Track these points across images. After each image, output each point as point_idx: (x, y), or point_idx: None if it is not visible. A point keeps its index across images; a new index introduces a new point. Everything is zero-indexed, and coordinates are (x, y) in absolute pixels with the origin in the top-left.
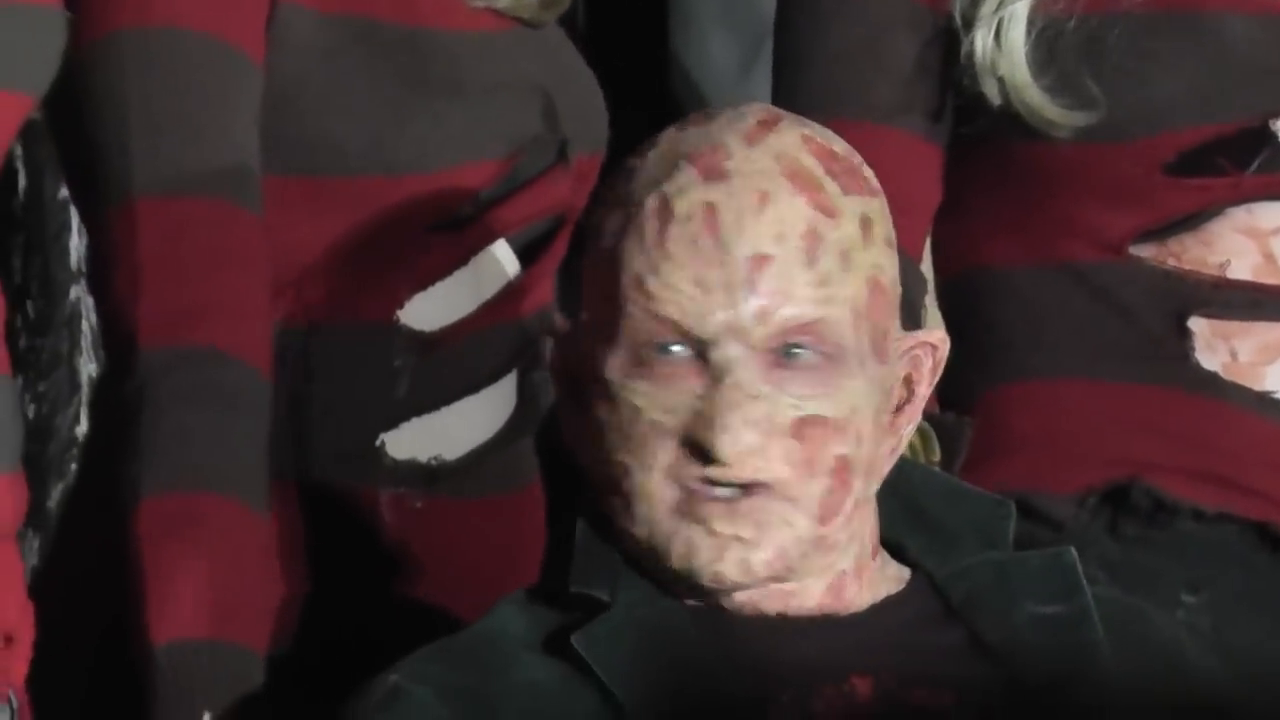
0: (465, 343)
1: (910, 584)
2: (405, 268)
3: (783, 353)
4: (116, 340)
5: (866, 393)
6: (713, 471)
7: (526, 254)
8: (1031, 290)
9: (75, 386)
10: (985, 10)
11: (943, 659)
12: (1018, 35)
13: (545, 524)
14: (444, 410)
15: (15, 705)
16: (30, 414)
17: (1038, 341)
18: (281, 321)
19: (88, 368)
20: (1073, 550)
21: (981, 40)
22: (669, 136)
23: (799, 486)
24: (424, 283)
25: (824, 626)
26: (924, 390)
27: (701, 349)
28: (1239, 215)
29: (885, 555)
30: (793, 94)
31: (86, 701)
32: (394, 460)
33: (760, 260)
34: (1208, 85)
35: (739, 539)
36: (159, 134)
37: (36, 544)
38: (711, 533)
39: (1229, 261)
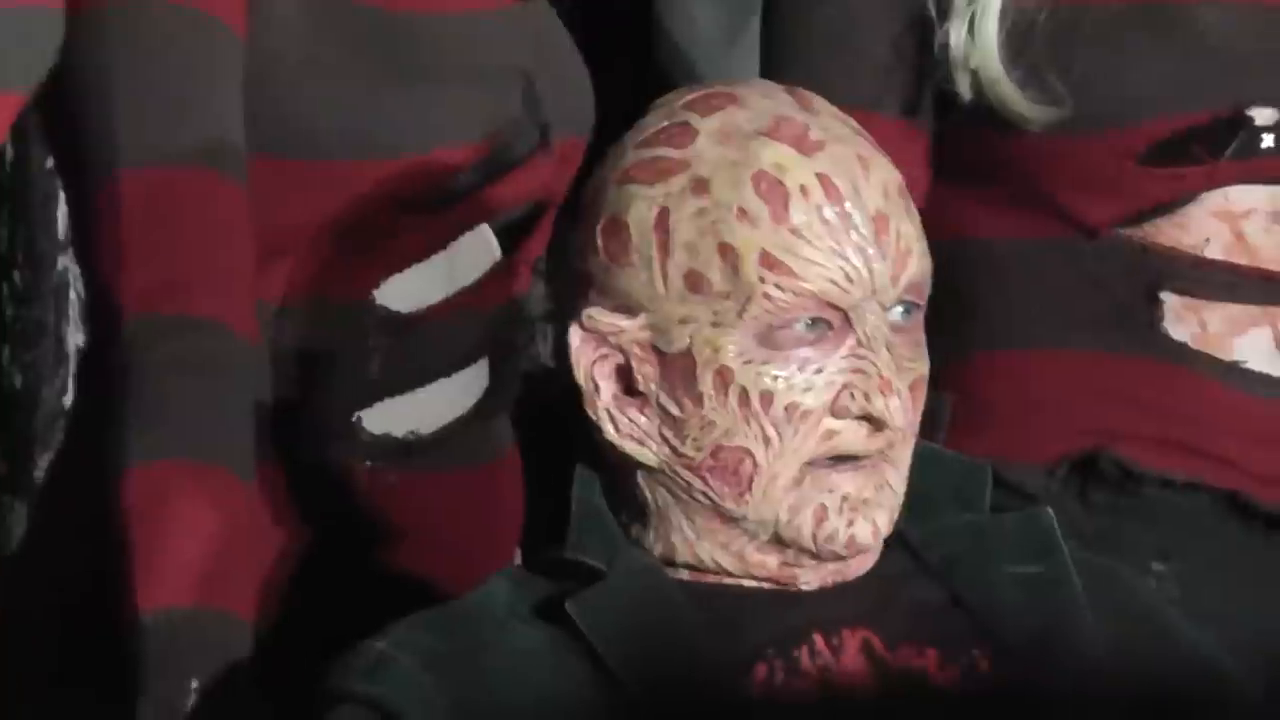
0: (439, 326)
1: (888, 547)
2: (380, 250)
3: (896, 313)
4: (103, 310)
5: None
6: (863, 442)
7: (505, 239)
8: (1007, 262)
9: (62, 357)
10: (959, 3)
11: (925, 617)
12: (990, 28)
13: (525, 497)
14: (416, 392)
15: None
16: (17, 384)
17: (1011, 312)
18: (259, 298)
19: (74, 338)
20: (1049, 510)
21: (955, 32)
22: (709, 119)
23: (903, 450)
24: (399, 265)
25: (813, 594)
26: None
27: (841, 319)
28: (1214, 200)
29: None
30: (780, 80)
31: (67, 667)
32: (370, 435)
33: (881, 220)
34: (1180, 76)
35: (865, 501)
36: (143, 105)
37: (24, 513)
38: (843, 498)
39: (1207, 242)
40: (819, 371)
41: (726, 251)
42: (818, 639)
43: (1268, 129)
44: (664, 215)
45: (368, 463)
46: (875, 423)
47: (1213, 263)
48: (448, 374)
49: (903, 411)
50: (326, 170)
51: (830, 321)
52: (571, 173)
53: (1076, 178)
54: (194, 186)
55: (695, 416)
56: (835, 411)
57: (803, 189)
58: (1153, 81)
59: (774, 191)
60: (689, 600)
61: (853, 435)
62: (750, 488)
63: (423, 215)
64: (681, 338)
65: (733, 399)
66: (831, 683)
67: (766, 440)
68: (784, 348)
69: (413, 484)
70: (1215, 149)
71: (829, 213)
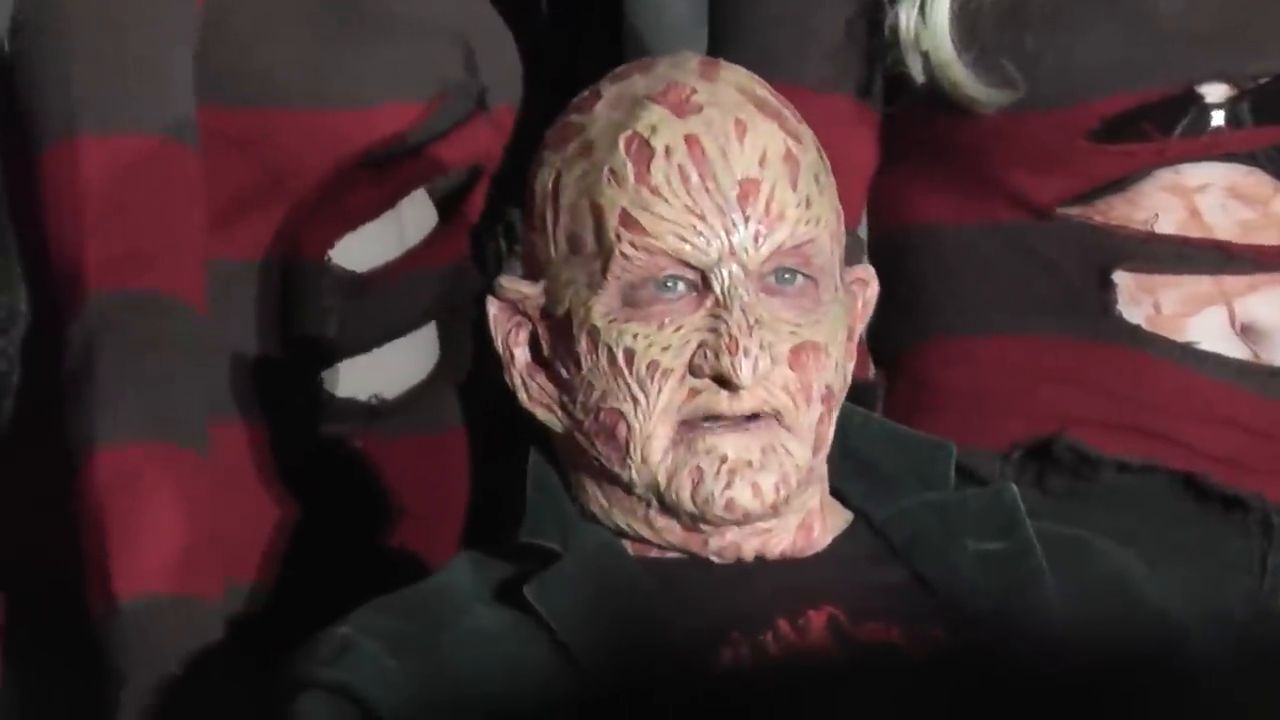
0: (391, 287)
1: (852, 526)
2: (331, 207)
3: (774, 278)
4: (59, 282)
5: (839, 318)
6: (725, 403)
7: (445, 204)
8: (959, 247)
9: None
10: None
11: (889, 596)
12: (941, 10)
13: (471, 476)
14: (374, 353)
15: None
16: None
17: (964, 298)
18: (210, 257)
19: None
20: (1013, 486)
21: (906, 14)
22: (614, 86)
23: (796, 415)
24: (353, 223)
25: (775, 569)
26: (860, 327)
27: (700, 279)
28: (1165, 175)
29: (831, 497)
30: (729, 58)
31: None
32: (331, 398)
33: (750, 184)
34: (1129, 55)
35: (748, 464)
36: (96, 71)
37: None
38: (721, 459)
39: (1156, 217)
40: (678, 330)
41: (596, 210)
42: (782, 623)
43: (1218, 106)
44: (557, 179)
45: (326, 426)
46: (727, 383)
47: (1162, 237)
48: (403, 333)
49: (750, 372)
50: (286, 118)
51: (690, 281)
52: (504, 140)
53: (1028, 157)
54: (150, 153)
55: (578, 379)
56: (693, 370)
57: (667, 149)
58: (1103, 59)
59: (641, 152)
60: (648, 577)
61: (713, 396)
62: (629, 450)
63: (370, 170)
64: (565, 300)
65: (603, 359)
66: (799, 660)
67: (634, 400)
68: (644, 306)
69: (369, 449)
70: (1166, 126)
71: (691, 172)
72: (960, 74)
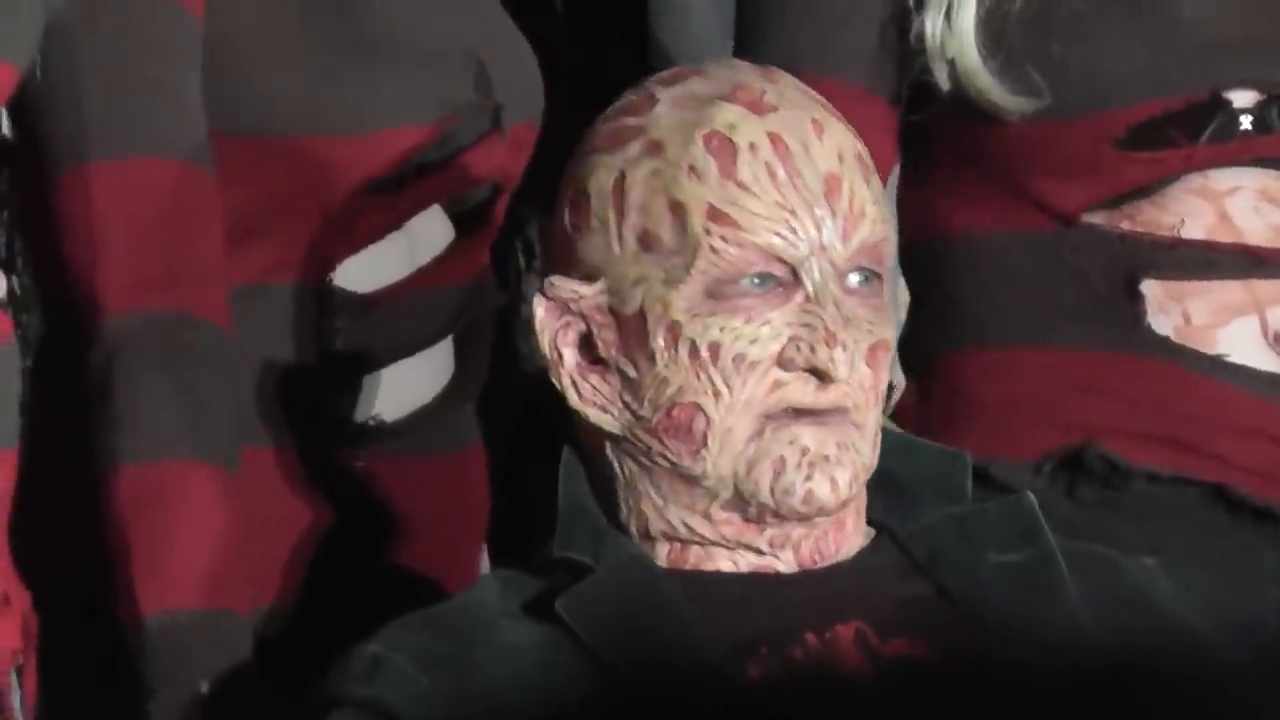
0: (399, 306)
1: (876, 539)
2: (338, 230)
3: (852, 277)
4: (78, 309)
5: (894, 319)
6: (811, 396)
7: (462, 221)
8: (989, 258)
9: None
10: None
11: (915, 610)
12: (967, 17)
13: (495, 490)
14: (380, 373)
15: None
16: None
17: (995, 309)
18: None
19: None
20: (1031, 495)
21: (932, 22)
22: (671, 88)
23: (866, 413)
24: (357, 246)
25: (804, 582)
26: None
27: (789, 274)
28: (1193, 179)
29: None
30: (758, 46)
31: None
32: (333, 420)
33: (834, 180)
34: (1156, 62)
35: (825, 458)
36: (110, 95)
37: None
38: (803, 450)
39: (1183, 222)
40: (766, 324)
41: (676, 208)
42: (810, 637)
43: (1245, 111)
44: (620, 179)
45: (338, 448)
46: (821, 375)
47: (1189, 242)
48: (409, 354)
49: (847, 364)
50: (290, 146)
51: (778, 277)
52: (525, 159)
53: (1054, 164)
54: (166, 176)
55: (650, 375)
56: (782, 363)
57: (751, 146)
58: (1130, 66)
59: (723, 148)
60: (679, 591)
61: (801, 388)
62: (706, 444)
63: (379, 194)
64: (635, 298)
65: (683, 353)
66: (826, 674)
67: (716, 394)
68: (731, 300)
69: (384, 470)
70: (1193, 132)
71: (778, 168)
72: (986, 81)
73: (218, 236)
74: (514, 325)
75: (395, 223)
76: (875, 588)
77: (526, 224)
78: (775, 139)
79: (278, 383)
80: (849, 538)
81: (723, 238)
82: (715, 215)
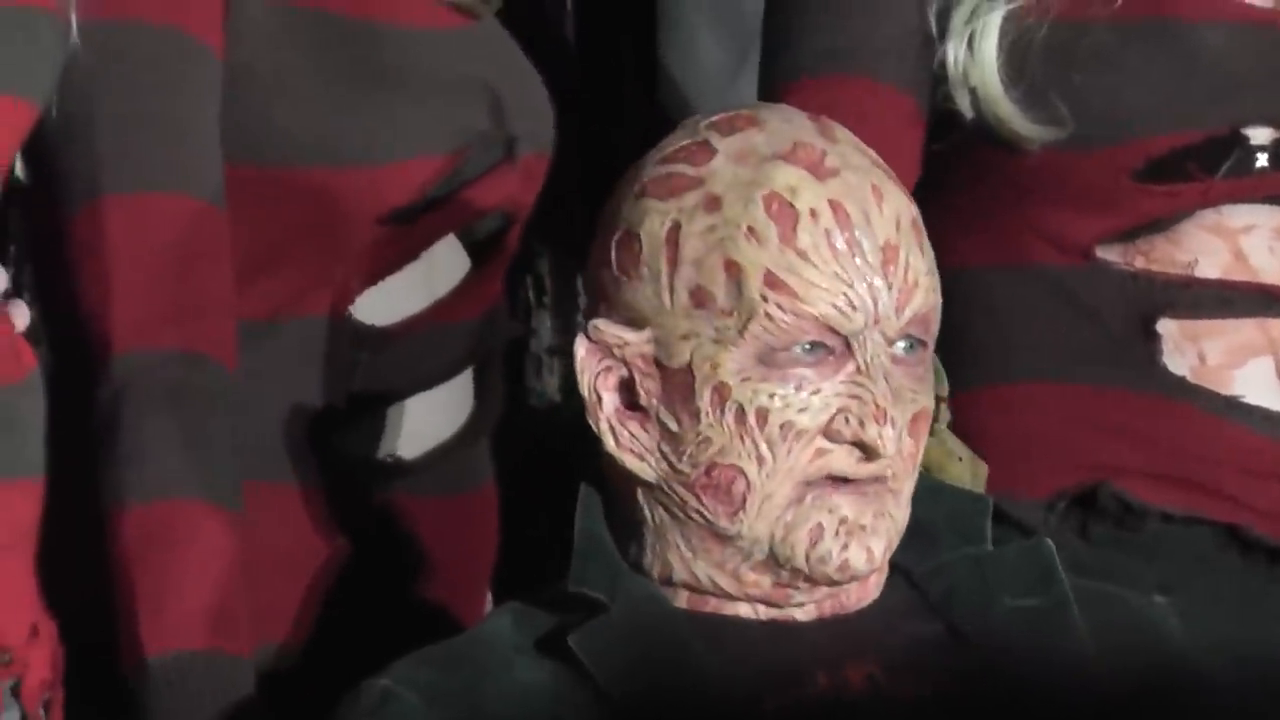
0: (417, 339)
1: (890, 579)
2: (355, 262)
3: (900, 346)
4: (86, 346)
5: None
6: (854, 466)
7: (477, 252)
8: (1003, 294)
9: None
10: (958, 21)
11: (926, 651)
12: (990, 46)
13: (502, 526)
14: (398, 406)
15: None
16: None
17: (1009, 345)
18: (237, 317)
19: None
20: (1049, 541)
21: (954, 51)
22: (729, 139)
23: (903, 480)
24: (374, 277)
25: (817, 628)
26: None
27: (842, 345)
28: (1208, 216)
29: None
30: (786, 48)
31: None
32: (351, 456)
33: (891, 250)
34: (1176, 95)
35: (862, 527)
36: (124, 131)
37: None
38: (841, 520)
39: (1197, 260)
40: (816, 393)
41: (732, 268)
42: (821, 677)
43: (1263, 148)
44: (675, 230)
45: (357, 485)
46: (867, 450)
47: (1204, 281)
48: (428, 387)
49: (894, 441)
50: (306, 177)
51: (831, 346)
52: (536, 189)
53: (1071, 195)
54: (176, 212)
55: (692, 432)
56: (829, 434)
57: (812, 212)
58: (1149, 99)
59: (784, 213)
60: (693, 631)
61: (844, 458)
62: (744, 506)
63: (395, 225)
64: (683, 353)
65: (729, 416)
66: (835, 716)
67: (760, 459)
68: (782, 367)
69: (402, 508)
70: (1210, 167)
71: (837, 238)
72: (1007, 110)
73: (227, 274)
74: (524, 360)
75: (412, 254)
76: (888, 627)
77: (537, 258)
78: (836, 206)
79: (296, 418)
80: (869, 592)
81: (779, 305)
82: (773, 282)
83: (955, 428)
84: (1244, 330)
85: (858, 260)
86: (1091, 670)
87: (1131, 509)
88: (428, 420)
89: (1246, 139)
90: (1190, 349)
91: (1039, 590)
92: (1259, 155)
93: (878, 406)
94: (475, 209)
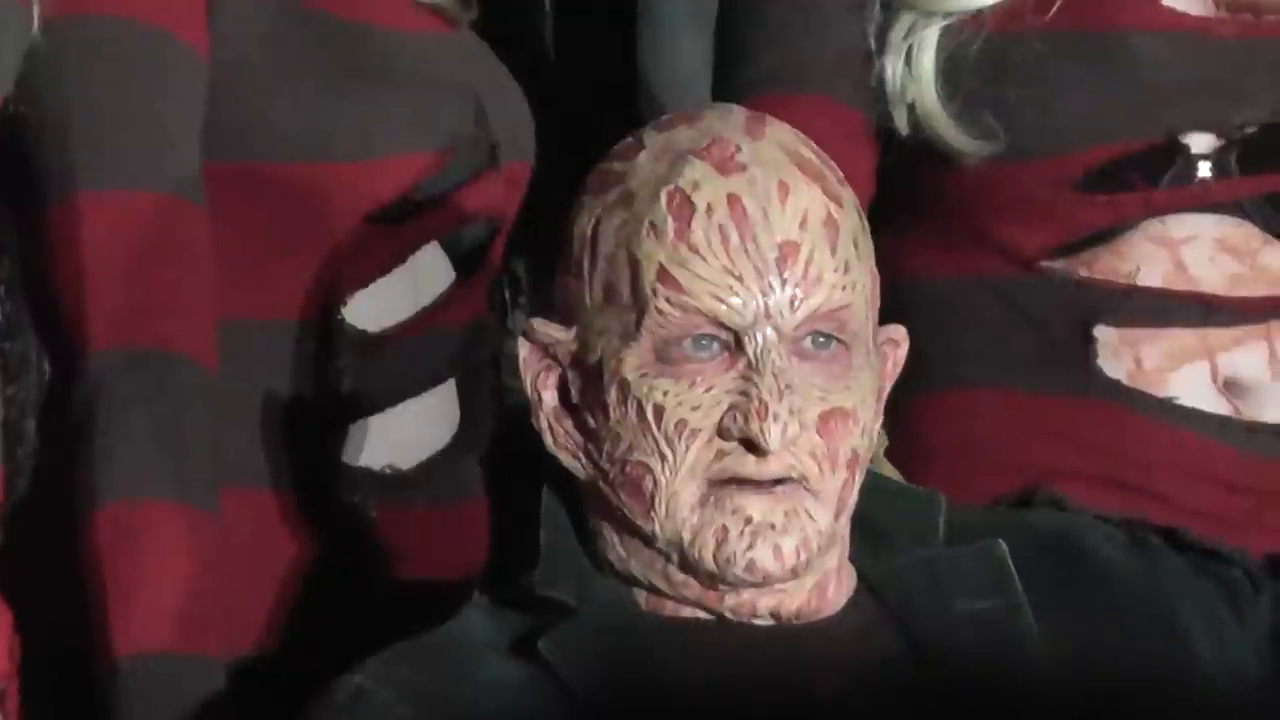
0: (405, 345)
1: (855, 593)
2: (344, 263)
3: (807, 342)
4: (63, 344)
5: (869, 383)
6: (752, 466)
7: (461, 261)
8: (949, 302)
9: (44, 390)
10: (895, 37)
11: (887, 664)
12: (927, 61)
13: (489, 529)
14: (388, 414)
15: None
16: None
17: (953, 352)
18: (222, 316)
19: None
20: (1002, 544)
21: (892, 66)
22: (658, 136)
23: (821, 480)
24: (363, 281)
25: (785, 636)
26: (888, 386)
27: (733, 340)
28: (1152, 226)
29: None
30: (734, 68)
31: (31, 706)
32: (336, 462)
33: (789, 247)
34: (1113, 104)
35: (771, 526)
36: (102, 128)
37: None
38: (746, 520)
39: (1139, 269)
40: (709, 390)
41: (633, 263)
42: (787, 691)
43: (1203, 156)
44: (595, 226)
45: (341, 492)
46: (753, 447)
47: (1144, 290)
48: (416, 393)
49: (780, 437)
50: (295, 173)
51: (725, 341)
52: (519, 197)
53: (1013, 207)
54: (153, 210)
55: (605, 429)
56: (720, 432)
57: (709, 207)
58: (1086, 110)
59: (682, 208)
60: (658, 635)
61: (741, 458)
62: (654, 505)
63: (381, 225)
64: (596, 349)
65: (631, 412)
66: None
67: (661, 456)
68: (677, 364)
69: (388, 517)
70: (1152, 177)
71: (731, 233)
72: (944, 125)
73: (205, 272)
74: (500, 361)
75: (400, 257)
76: (853, 641)
77: (513, 259)
78: (734, 201)
79: (280, 422)
80: (830, 601)
81: (668, 299)
82: (664, 276)
83: (905, 434)
84: (1181, 336)
85: (751, 255)
86: (1044, 677)
87: (1067, 512)
88: (413, 430)
89: (1186, 148)
90: (1127, 354)
91: (993, 593)
92: (1200, 164)
93: (761, 401)
94: (461, 214)
